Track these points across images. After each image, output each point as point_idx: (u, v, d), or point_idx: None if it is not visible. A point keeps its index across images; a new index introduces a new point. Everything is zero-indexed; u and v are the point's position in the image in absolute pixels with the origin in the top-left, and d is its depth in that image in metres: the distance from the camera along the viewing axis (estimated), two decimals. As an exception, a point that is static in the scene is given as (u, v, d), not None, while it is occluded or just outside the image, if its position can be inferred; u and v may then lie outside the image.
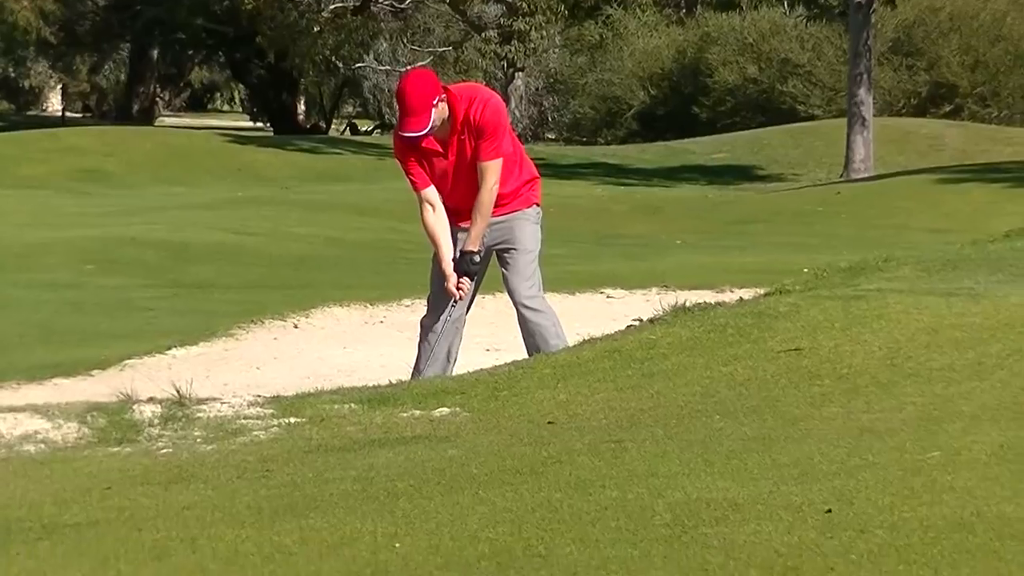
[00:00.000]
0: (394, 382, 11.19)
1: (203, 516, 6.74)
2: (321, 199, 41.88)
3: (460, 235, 12.04)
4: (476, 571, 5.25)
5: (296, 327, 18.29)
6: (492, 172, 11.90)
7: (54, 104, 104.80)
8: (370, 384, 11.17)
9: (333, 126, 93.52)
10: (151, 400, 10.22)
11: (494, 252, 12.36)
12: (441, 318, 12.25)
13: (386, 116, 79.45)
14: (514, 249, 12.29)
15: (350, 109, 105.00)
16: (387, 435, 8.46)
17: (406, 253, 24.29)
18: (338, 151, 61.25)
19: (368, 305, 19.58)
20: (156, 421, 9.19)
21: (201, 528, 6.42)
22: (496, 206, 11.98)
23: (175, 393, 10.03)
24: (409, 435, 8.38)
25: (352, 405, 9.59)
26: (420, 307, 13.60)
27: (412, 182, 12.07)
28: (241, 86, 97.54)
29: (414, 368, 12.36)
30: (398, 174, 12.56)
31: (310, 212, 36.92)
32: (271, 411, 9.58)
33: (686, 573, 5.02)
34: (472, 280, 12.16)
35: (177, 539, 6.15)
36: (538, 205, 12.50)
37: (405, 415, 9.07)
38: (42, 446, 8.99)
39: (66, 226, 31.21)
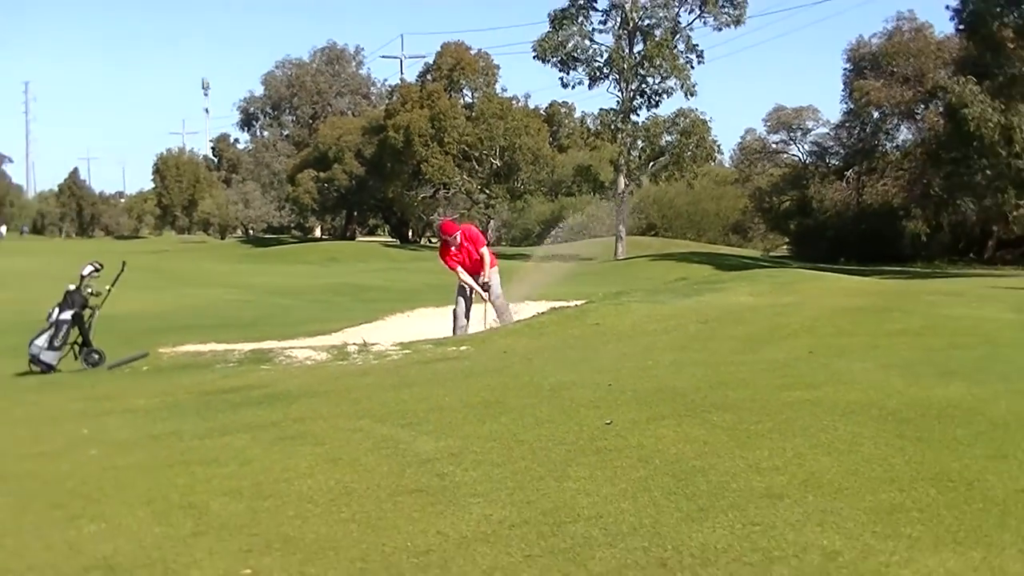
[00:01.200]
0: (443, 337, 20.12)
1: (375, 387, 13.40)
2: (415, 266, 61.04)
3: (476, 277, 22.21)
4: (472, 409, 11.40)
5: (407, 316, 27.85)
6: (486, 255, 22.37)
7: (316, 232, 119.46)
8: (434, 338, 19.89)
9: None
10: (352, 344, 18.44)
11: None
12: (461, 310, 22.32)
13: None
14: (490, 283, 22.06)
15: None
16: (443, 356, 16.51)
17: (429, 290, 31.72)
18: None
19: (433, 308, 28.67)
20: (354, 352, 17.33)
21: (375, 392, 13.00)
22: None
23: (362, 341, 18.55)
24: (452, 356, 16.47)
25: (429, 345, 18.03)
26: (441, 312, 25.10)
27: (451, 264, 22.42)
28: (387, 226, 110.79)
29: (452, 332, 21.66)
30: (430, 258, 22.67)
31: (407, 273, 52.20)
32: (399, 348, 17.78)
33: (556, 405, 11.17)
34: (486, 292, 22.28)
35: (365, 398, 12.56)
36: (495, 267, 22.71)
37: (451, 348, 17.52)
38: (311, 360, 17.03)
39: (319, 278, 49.40)
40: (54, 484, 8.87)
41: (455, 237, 22.43)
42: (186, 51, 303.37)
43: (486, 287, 22.46)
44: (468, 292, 22.21)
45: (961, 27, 57.39)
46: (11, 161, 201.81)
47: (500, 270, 23.33)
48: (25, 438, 11.42)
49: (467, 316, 22.22)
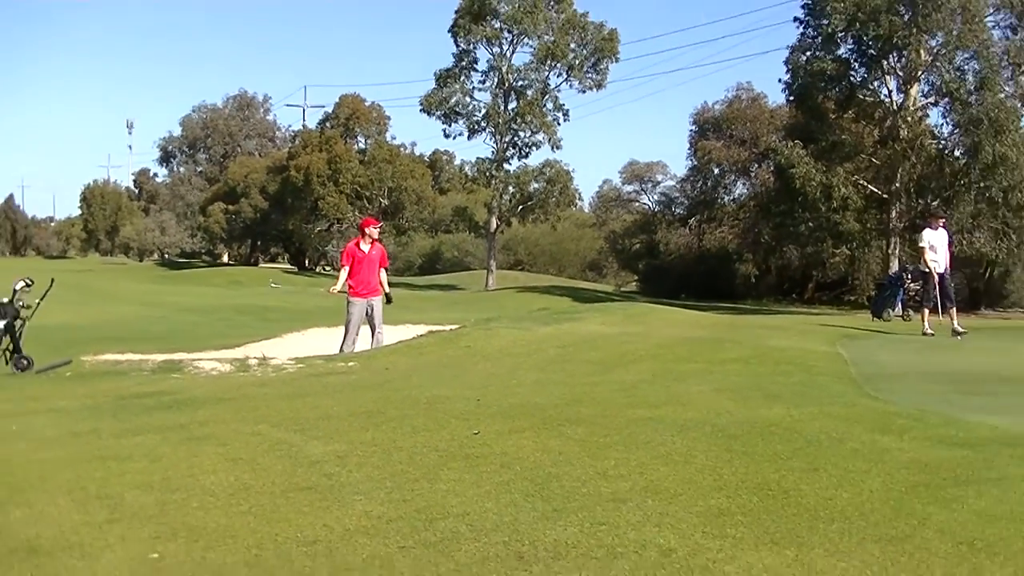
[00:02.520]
0: (333, 353, 19.75)
1: (273, 397, 13.20)
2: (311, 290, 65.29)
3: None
4: (357, 417, 11.46)
5: (302, 334, 27.36)
6: (384, 277, 21.61)
7: (224, 258, 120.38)
8: (325, 354, 19.61)
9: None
10: (253, 358, 18.19)
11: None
12: (354, 329, 21.13)
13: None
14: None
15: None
16: (333, 371, 16.42)
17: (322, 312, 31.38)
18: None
19: (326, 327, 27.62)
20: (255, 365, 17.18)
21: (273, 401, 12.79)
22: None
23: (262, 355, 18.34)
24: (340, 371, 16.37)
25: (321, 360, 17.86)
26: (332, 332, 23.86)
27: (345, 260, 21.65)
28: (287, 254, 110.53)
29: (340, 349, 20.60)
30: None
31: (304, 296, 50.52)
32: (294, 362, 17.61)
33: (431, 416, 11.43)
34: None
35: (264, 406, 12.48)
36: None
37: (340, 364, 17.36)
38: (216, 371, 16.71)
39: (225, 299, 50.07)
40: (-16, 474, 8.77)
41: (373, 230, 21.74)
42: (113, 93, 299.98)
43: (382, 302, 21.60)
44: (361, 311, 21.14)
45: (791, 98, 58.35)
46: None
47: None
48: (-43, 434, 11.27)
49: (357, 334, 21.20)
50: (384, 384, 14.68)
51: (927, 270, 24.74)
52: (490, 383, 14.13)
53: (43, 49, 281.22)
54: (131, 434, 10.47)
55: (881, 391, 13.29)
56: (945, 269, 24.52)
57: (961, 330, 23.94)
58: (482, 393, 12.99)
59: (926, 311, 24.68)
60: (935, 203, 53.81)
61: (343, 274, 21.45)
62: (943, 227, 25.11)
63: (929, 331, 24.20)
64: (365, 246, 21.39)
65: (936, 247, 24.55)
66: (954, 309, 24.61)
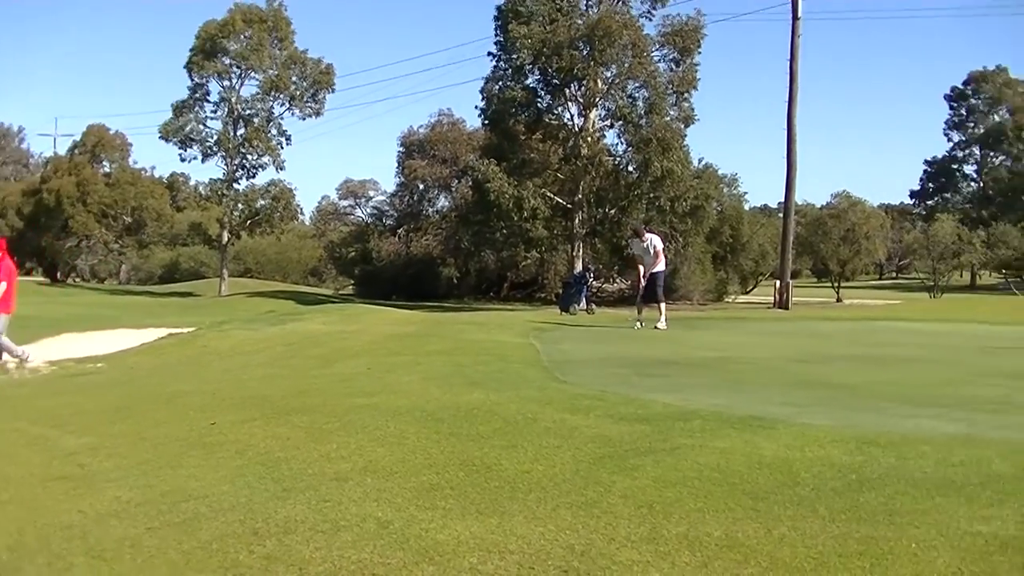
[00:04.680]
0: (84, 356, 18.80)
1: (30, 396, 12.96)
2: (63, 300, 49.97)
3: None
4: (106, 413, 11.33)
5: (56, 339, 24.17)
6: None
7: None
8: (76, 356, 18.84)
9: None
10: (10, 362, 17.35)
11: None
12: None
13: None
14: None
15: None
16: (84, 371, 15.87)
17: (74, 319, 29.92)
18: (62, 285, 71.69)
19: (77, 333, 26.53)
20: (13, 368, 16.49)
21: (30, 399, 12.58)
22: None
23: (19, 359, 17.52)
24: (90, 371, 15.83)
25: (72, 362, 17.19)
26: (83, 336, 21.60)
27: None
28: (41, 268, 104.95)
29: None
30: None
31: (56, 305, 44.81)
32: (49, 365, 16.89)
33: (172, 410, 11.36)
34: None
35: (22, 405, 12.53)
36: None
37: (89, 365, 16.79)
38: None
39: None
40: None
41: None
42: None
43: None
44: None
45: (486, 122, 59.14)
46: None
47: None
48: None
49: None
50: (130, 382, 14.42)
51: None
52: (224, 378, 13.96)
53: None
54: None
55: (569, 376, 13.41)
56: (649, 272, 24.74)
57: (663, 326, 24.09)
58: (217, 387, 12.81)
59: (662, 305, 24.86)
60: (612, 212, 55.50)
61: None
62: (652, 236, 25.39)
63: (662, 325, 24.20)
64: None
65: (641, 255, 24.92)
66: (663, 304, 24.85)
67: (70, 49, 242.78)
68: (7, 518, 6.71)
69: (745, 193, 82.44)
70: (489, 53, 57.94)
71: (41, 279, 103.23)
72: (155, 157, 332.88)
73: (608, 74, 55.75)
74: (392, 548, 5.83)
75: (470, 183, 63.19)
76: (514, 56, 55.38)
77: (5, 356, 18.21)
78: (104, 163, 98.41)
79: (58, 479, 7.72)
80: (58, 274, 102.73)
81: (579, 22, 55.17)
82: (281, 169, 77.09)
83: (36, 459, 8.47)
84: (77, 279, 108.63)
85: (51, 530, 6.42)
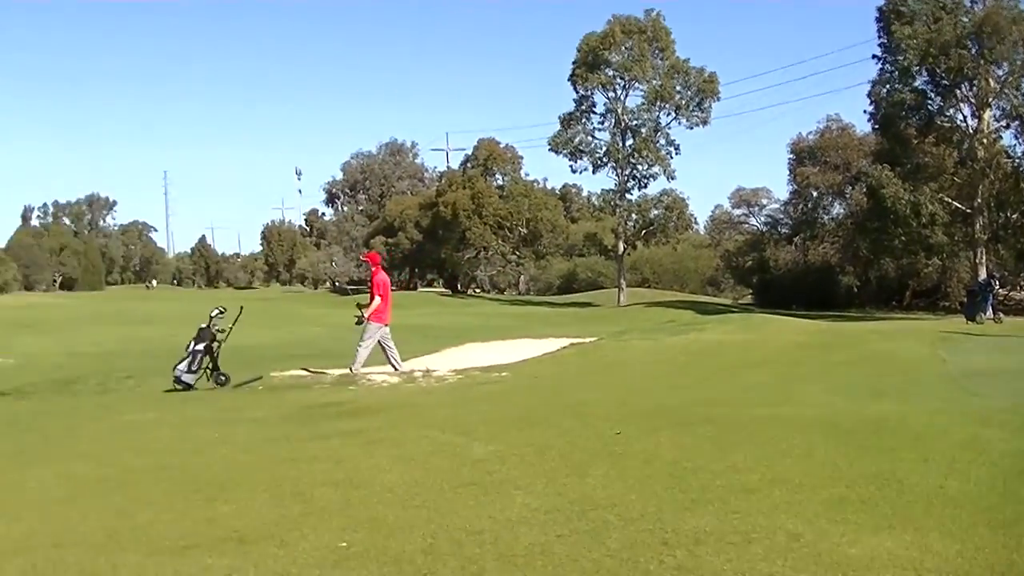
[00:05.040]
0: (489, 365, 19.38)
1: (437, 404, 13.32)
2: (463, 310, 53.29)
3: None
4: (512, 421, 11.83)
5: (459, 349, 25.97)
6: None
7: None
8: (481, 365, 19.38)
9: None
10: (418, 371, 18.17)
11: None
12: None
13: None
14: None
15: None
16: (488, 380, 16.31)
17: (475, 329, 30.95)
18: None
19: (480, 342, 28.10)
20: (420, 377, 17.20)
21: (438, 407, 12.94)
22: None
23: (425, 368, 18.32)
24: (495, 380, 16.27)
25: (477, 371, 17.72)
26: (487, 346, 22.31)
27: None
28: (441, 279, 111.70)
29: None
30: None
31: (458, 316, 46.78)
32: (454, 373, 17.60)
33: (577, 419, 11.70)
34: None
35: (430, 412, 12.69)
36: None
37: (494, 374, 17.22)
38: (387, 383, 16.72)
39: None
40: (195, 474, 8.93)
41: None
42: (282, 146, 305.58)
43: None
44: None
45: (876, 127, 58.17)
46: (155, 230, 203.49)
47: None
48: (173, 439, 11.46)
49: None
50: (534, 391, 14.68)
51: None
52: (627, 388, 14.09)
53: (224, 110, 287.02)
54: (317, 439, 10.61)
55: (979, 387, 12.91)
56: None
57: None
58: (621, 397, 12.97)
59: None
60: (1015, 216, 53.43)
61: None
62: None
63: None
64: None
65: None
66: None
67: (458, 66, 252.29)
68: (421, 522, 6.91)
69: None
70: (874, 56, 57.14)
71: (442, 290, 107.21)
72: (545, 169, 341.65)
73: (1000, 72, 53.51)
74: (804, 562, 5.72)
75: (864, 189, 61.97)
76: (899, 58, 54.18)
77: (395, 363, 19.23)
78: (496, 176, 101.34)
79: (467, 485, 7.91)
80: (458, 285, 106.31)
81: (964, 19, 53.15)
82: (672, 179, 78.03)
83: (445, 465, 8.72)
84: (477, 290, 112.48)
85: (462, 535, 6.57)
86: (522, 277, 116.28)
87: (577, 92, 78.57)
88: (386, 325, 19.46)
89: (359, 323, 19.52)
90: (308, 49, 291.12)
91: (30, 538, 7.07)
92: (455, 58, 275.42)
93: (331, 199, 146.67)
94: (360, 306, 19.87)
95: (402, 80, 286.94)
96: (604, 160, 78.00)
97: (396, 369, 19.03)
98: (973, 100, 54.83)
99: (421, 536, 6.57)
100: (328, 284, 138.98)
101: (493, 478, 8.15)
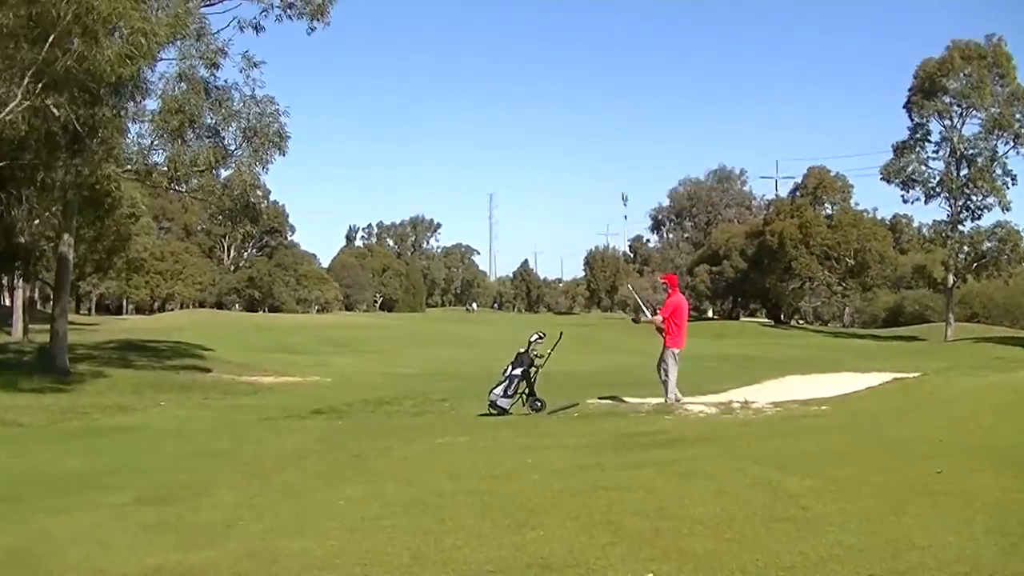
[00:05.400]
0: (809, 398, 18.99)
1: (753, 436, 13.09)
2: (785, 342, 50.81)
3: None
4: (829, 456, 11.79)
5: (779, 381, 24.65)
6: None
7: (709, 313, 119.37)
8: (800, 398, 19.09)
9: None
10: (736, 402, 18.02)
11: None
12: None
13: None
14: None
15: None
16: (807, 414, 15.93)
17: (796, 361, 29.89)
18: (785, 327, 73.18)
19: (800, 375, 27.26)
20: (737, 408, 17.04)
21: (754, 440, 12.70)
22: None
23: (743, 400, 18.11)
24: (813, 414, 15.85)
25: (796, 404, 17.35)
26: (808, 379, 21.68)
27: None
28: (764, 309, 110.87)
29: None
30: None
31: (779, 347, 45.33)
32: (772, 406, 17.24)
33: (896, 456, 11.49)
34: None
35: (745, 444, 12.68)
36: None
37: (813, 408, 16.84)
38: (703, 413, 16.66)
39: (709, 349, 40.87)
40: (505, 499, 9.12)
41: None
42: (609, 171, 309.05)
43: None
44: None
45: None
46: (478, 253, 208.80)
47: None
48: (484, 463, 11.70)
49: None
50: (853, 426, 14.32)
51: None
52: (950, 426, 13.54)
53: (551, 134, 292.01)
54: (630, 468, 10.66)
55: None
56: None
57: None
58: (943, 435, 12.49)
59: None
60: None
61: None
62: None
63: None
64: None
65: None
66: None
67: (789, 92, 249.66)
68: (730, 556, 6.89)
69: None
70: None
71: (764, 320, 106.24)
72: (875, 199, 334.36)
73: None
74: None
75: None
76: None
77: (670, 393, 18.80)
78: (825, 205, 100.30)
79: (780, 520, 7.82)
80: (781, 315, 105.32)
81: None
82: (1007, 210, 75.32)
83: (759, 500, 8.63)
84: (800, 321, 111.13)
85: (771, 570, 6.53)
86: (847, 309, 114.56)
87: (912, 119, 77.46)
88: (680, 349, 19.09)
89: (636, 322, 19.78)
90: (637, 76, 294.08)
91: (337, 556, 7.39)
92: (786, 84, 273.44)
93: (656, 226, 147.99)
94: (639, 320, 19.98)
95: (732, 106, 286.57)
96: (937, 190, 76.55)
97: (667, 399, 18.70)
98: None
99: (729, 570, 6.56)
100: (650, 312, 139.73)
101: (807, 513, 8.03)
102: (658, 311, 19.35)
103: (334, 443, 15.21)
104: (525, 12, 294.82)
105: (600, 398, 20.13)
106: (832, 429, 14.05)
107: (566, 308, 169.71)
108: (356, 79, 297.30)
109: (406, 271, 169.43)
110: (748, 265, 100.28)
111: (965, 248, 76.79)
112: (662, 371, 18.79)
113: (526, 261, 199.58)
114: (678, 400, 18.51)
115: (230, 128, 33.46)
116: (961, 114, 75.40)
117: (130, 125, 32.95)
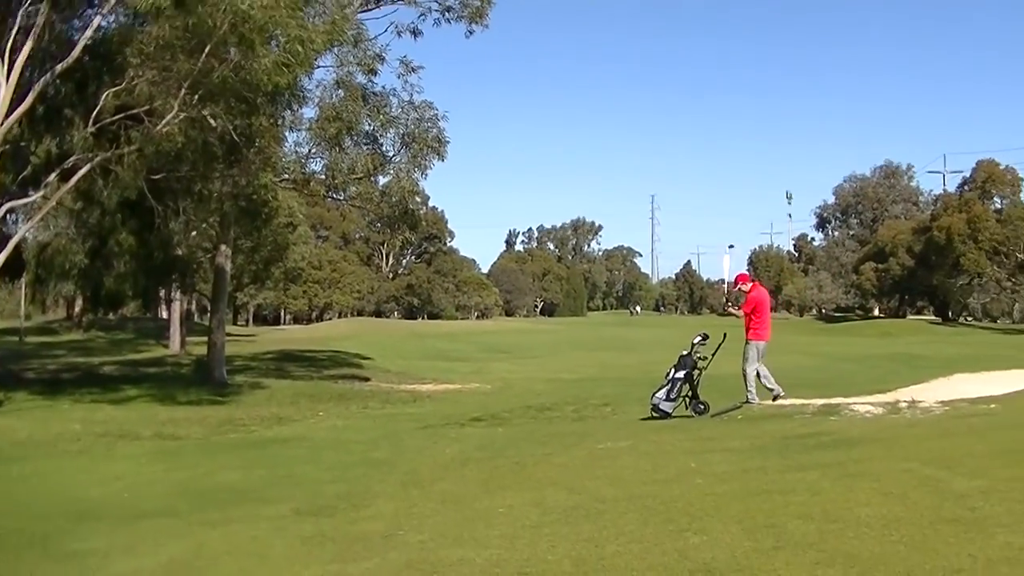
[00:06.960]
0: (976, 396, 18.48)
1: (921, 436, 12.83)
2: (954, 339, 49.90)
3: None
4: (999, 456, 11.14)
5: (947, 379, 24.39)
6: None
7: (875, 311, 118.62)
8: (969, 397, 18.66)
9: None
10: (902, 401, 17.69)
11: None
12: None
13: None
14: None
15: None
16: (975, 412, 15.50)
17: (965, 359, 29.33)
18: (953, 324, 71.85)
19: (969, 373, 26.98)
20: (904, 408, 16.63)
21: (921, 440, 12.46)
22: None
23: (911, 399, 17.74)
24: (983, 412, 15.46)
25: (965, 403, 16.95)
26: (976, 377, 21.37)
27: None
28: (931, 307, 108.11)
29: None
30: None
31: (948, 345, 44.59)
32: (940, 405, 16.86)
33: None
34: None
35: (912, 445, 12.33)
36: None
37: (982, 406, 16.35)
38: (870, 413, 16.33)
39: (875, 349, 39.83)
40: (667, 504, 9.10)
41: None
42: (773, 170, 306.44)
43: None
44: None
45: None
46: (640, 255, 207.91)
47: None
48: (646, 468, 11.72)
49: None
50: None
51: None
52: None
53: (714, 132, 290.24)
54: (794, 470, 10.58)
55: None
56: None
57: None
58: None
59: None
60: None
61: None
62: None
63: None
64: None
65: None
66: None
67: (956, 85, 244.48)
68: (896, 558, 6.78)
69: None
70: None
71: (932, 318, 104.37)
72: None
73: None
74: None
75: None
76: None
77: (752, 396, 19.19)
78: (994, 199, 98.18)
79: (948, 522, 7.67)
80: (949, 312, 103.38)
81: None
82: None
83: (926, 501, 8.48)
84: (968, 318, 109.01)
85: (938, 574, 6.41)
86: (1017, 305, 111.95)
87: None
88: (765, 343, 19.40)
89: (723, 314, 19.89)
90: (801, 74, 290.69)
91: (496, 565, 7.46)
92: (953, 76, 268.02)
93: (821, 223, 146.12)
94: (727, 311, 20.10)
95: (899, 101, 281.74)
96: (1112, 181, 74.65)
97: (748, 397, 19.08)
98: None
99: (896, 573, 6.46)
100: (814, 311, 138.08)
101: (975, 515, 7.85)
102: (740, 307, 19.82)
103: (494, 450, 15.32)
104: (684, 10, 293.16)
105: (763, 400, 19.91)
106: (1002, 427, 13.73)
107: (722, 309, 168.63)
108: (516, 82, 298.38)
109: (567, 275, 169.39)
110: (915, 262, 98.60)
111: None
112: (747, 368, 19.24)
113: (689, 262, 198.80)
114: (777, 397, 19.11)
115: (388, 134, 33.95)
116: None
117: (287, 134, 33.70)
